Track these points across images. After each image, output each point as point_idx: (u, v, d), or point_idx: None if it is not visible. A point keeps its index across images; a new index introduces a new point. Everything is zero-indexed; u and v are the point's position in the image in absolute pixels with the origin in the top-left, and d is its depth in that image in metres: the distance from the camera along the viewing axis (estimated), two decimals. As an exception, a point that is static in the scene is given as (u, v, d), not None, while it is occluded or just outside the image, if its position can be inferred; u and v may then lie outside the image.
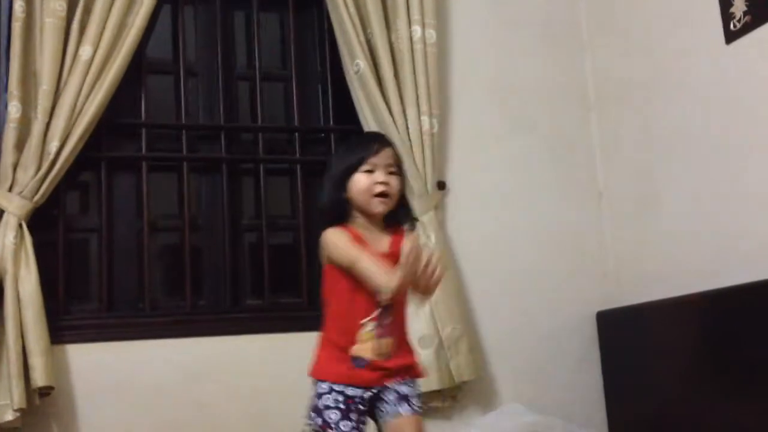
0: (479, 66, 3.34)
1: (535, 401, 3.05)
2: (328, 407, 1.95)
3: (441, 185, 3.15)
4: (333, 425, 1.94)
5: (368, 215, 2.02)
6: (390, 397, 2.00)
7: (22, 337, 2.53)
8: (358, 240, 2.00)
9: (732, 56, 2.73)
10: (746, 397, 2.50)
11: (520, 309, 3.20)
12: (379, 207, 1.99)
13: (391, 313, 1.97)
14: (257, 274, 3.07)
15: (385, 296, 1.91)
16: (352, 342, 1.97)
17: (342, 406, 1.95)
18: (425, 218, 3.01)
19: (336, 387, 1.96)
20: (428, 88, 3.07)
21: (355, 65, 3.04)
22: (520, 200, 3.30)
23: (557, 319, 3.23)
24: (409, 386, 2.02)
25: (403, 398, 2.00)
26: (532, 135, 3.36)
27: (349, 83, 3.08)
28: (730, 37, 2.72)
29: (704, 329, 2.70)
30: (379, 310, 1.96)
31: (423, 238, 2.99)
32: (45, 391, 2.59)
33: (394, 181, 2.00)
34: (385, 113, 3.01)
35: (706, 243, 2.84)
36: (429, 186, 3.06)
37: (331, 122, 3.24)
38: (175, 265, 3.00)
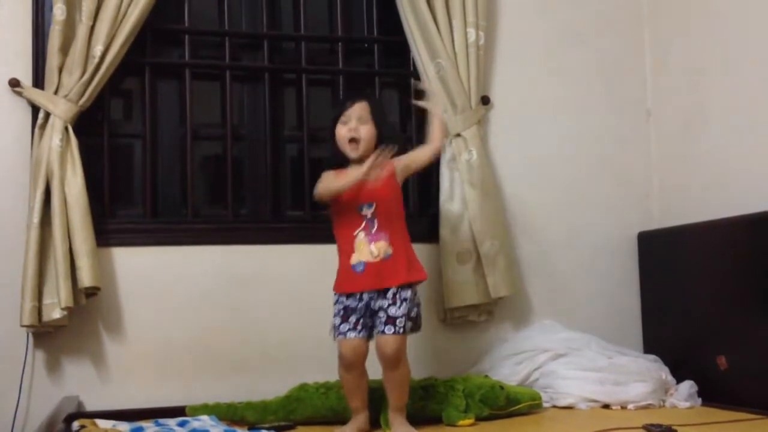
0: (529, -25, 3.23)
1: (572, 319, 3.07)
2: (335, 315, 2.36)
3: (485, 100, 3.10)
4: (337, 327, 2.34)
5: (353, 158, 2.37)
6: (381, 315, 2.30)
7: (69, 238, 2.58)
8: (341, 174, 2.38)
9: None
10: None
11: (560, 227, 3.19)
12: (351, 152, 2.36)
13: (377, 223, 2.32)
14: (298, 185, 3.08)
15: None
16: (352, 251, 2.32)
17: (342, 313, 2.33)
18: (467, 133, 2.98)
19: (340, 301, 2.34)
20: (476, -2, 3.00)
21: (401, -27, 2.96)
22: (566, 117, 3.24)
23: (597, 238, 3.21)
24: (399, 308, 2.29)
25: (391, 319, 2.28)
26: (581, 50, 3.27)
27: (394, -8, 3.01)
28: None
29: (744, 253, 2.66)
30: (365, 221, 2.32)
31: (465, 153, 2.97)
32: (91, 292, 2.65)
33: (363, 129, 2.35)
34: (431, 24, 2.95)
35: (752, 165, 2.78)
36: (473, 101, 3.01)
37: (375, 33, 3.18)
38: (217, 174, 3.02)
